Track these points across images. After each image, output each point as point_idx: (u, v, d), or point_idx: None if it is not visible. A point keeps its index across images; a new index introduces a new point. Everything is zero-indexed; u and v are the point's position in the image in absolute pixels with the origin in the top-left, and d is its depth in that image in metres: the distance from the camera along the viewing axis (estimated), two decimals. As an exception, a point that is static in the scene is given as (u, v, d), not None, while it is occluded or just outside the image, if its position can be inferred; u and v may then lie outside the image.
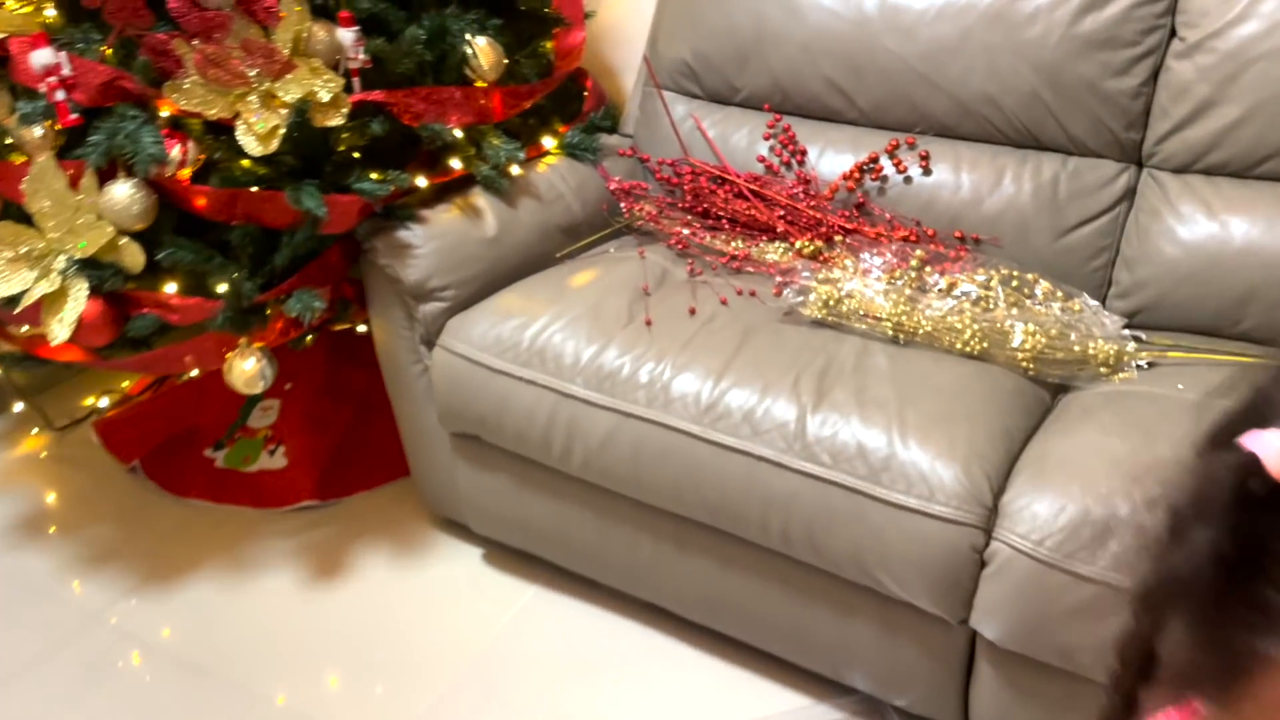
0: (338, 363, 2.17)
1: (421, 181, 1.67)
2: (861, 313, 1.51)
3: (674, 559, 1.58)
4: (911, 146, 1.74)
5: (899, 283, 1.55)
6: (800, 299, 1.54)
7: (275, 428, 2.12)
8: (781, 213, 1.74)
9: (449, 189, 1.73)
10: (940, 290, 1.53)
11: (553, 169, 1.86)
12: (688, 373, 1.48)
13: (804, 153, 1.81)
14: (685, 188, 1.85)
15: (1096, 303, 1.54)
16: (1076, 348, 1.45)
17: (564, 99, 1.98)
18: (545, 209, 1.81)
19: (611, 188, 1.88)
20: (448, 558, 1.89)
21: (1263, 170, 1.54)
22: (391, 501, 2.02)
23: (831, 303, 1.52)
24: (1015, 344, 1.45)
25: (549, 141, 1.90)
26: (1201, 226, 1.56)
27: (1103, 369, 1.44)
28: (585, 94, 2.02)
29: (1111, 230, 1.65)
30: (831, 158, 1.80)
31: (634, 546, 1.61)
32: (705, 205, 1.82)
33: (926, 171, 1.73)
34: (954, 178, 1.72)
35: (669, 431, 1.46)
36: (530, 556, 1.81)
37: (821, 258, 1.63)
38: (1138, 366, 1.45)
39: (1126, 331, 1.49)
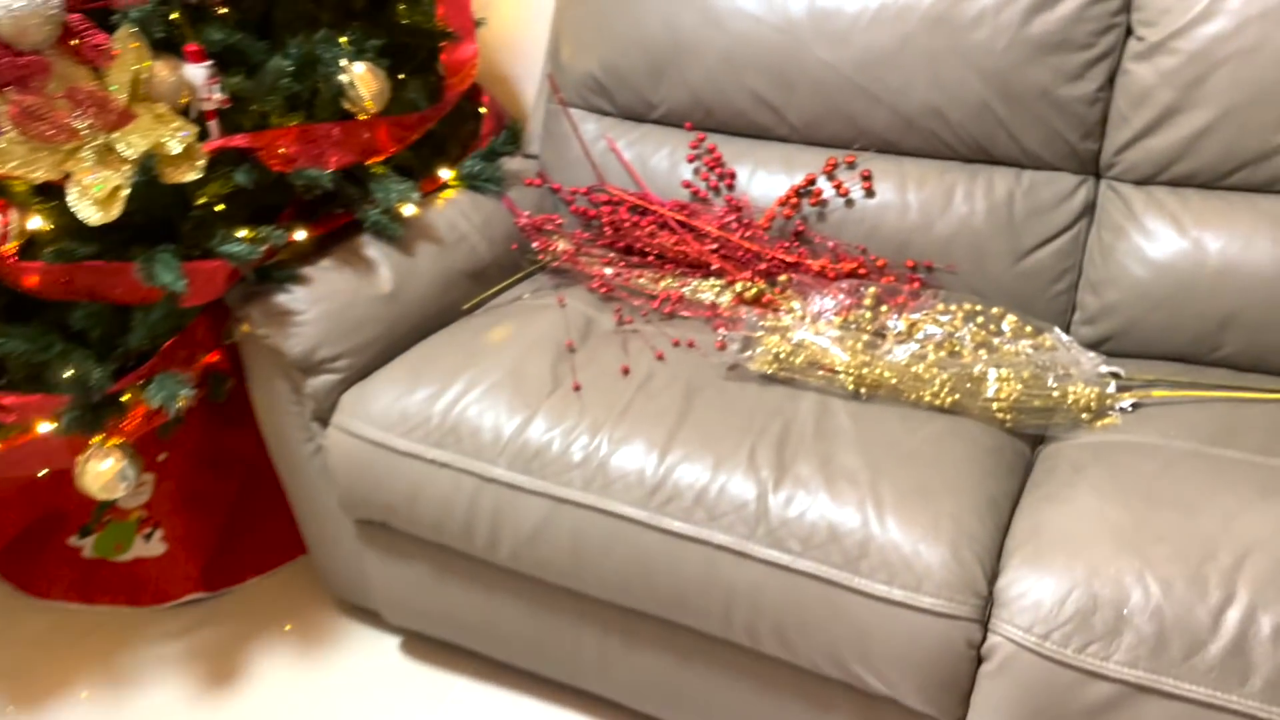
0: (218, 426, 1.92)
1: (300, 234, 1.44)
2: (816, 365, 1.35)
3: (624, 652, 1.40)
4: (851, 165, 1.58)
5: (853, 327, 1.38)
6: (747, 353, 1.36)
7: (150, 507, 1.86)
8: (714, 246, 1.56)
9: (333, 239, 1.50)
10: (899, 334, 1.37)
11: (452, 205, 1.64)
12: (628, 447, 1.30)
13: (733, 175, 1.63)
14: (604, 220, 1.65)
15: (1069, 337, 1.40)
16: (1055, 393, 1.31)
17: (459, 122, 1.76)
18: (448, 253, 1.59)
19: (521, 223, 1.67)
20: (360, 649, 1.67)
21: (1235, 180, 1.42)
22: (291, 586, 1.79)
23: (782, 355, 1.35)
24: (989, 393, 1.30)
25: (445, 174, 1.68)
26: (1171, 244, 1.43)
27: (1084, 415, 1.30)
28: (482, 114, 1.80)
29: (1073, 250, 1.51)
30: (764, 180, 1.63)
31: (577, 639, 1.42)
32: (627, 240, 1.62)
33: (870, 193, 1.57)
34: (900, 198, 1.56)
35: (611, 519, 1.27)
36: (456, 645, 1.61)
37: (765, 300, 1.45)
38: (1121, 410, 1.32)
39: (1104, 368, 1.36)
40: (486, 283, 1.63)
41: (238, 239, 1.34)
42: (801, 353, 1.35)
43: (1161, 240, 1.44)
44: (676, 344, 1.45)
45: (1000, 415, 1.30)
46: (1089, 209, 1.51)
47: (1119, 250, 1.47)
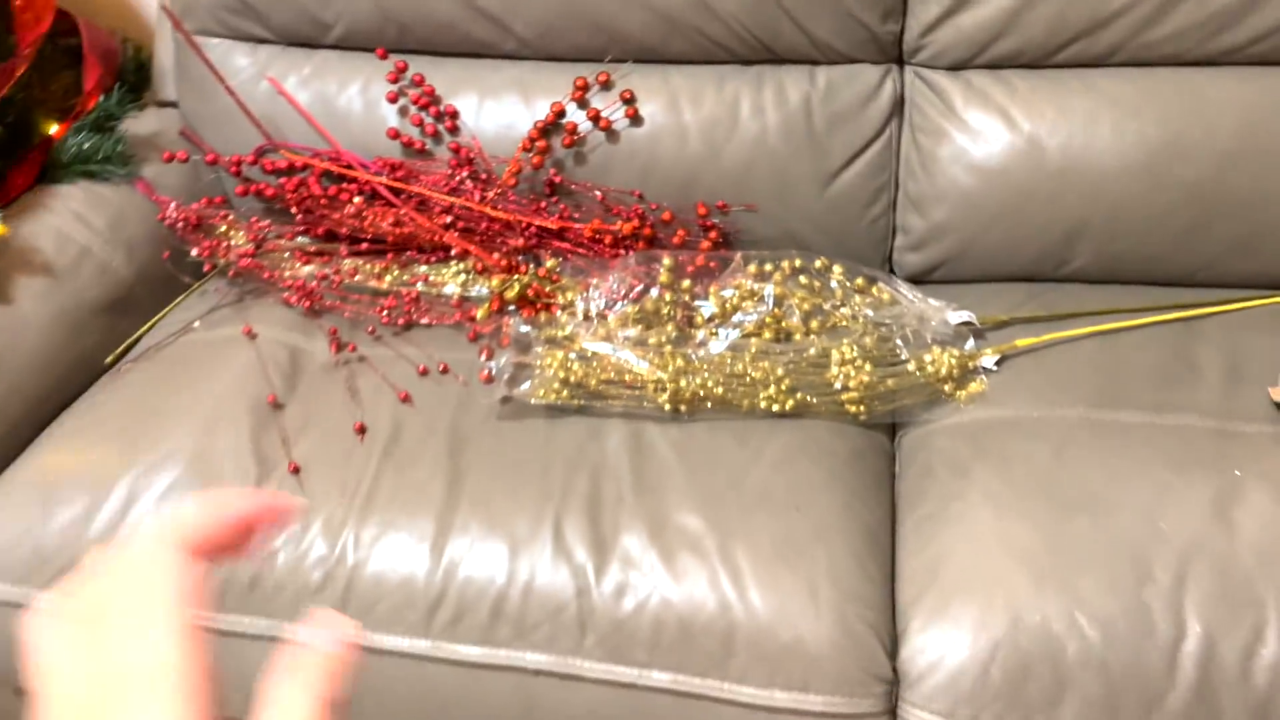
0: None
1: None
2: (616, 380, 1.02)
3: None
4: (607, 85, 1.21)
5: (656, 319, 1.06)
6: (524, 384, 1.01)
7: None
8: (448, 219, 1.17)
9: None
10: (713, 319, 1.06)
11: (58, 207, 1.15)
12: (385, 549, 0.93)
13: (454, 115, 1.22)
14: (287, 198, 1.21)
15: (907, 285, 1.13)
16: (911, 366, 1.05)
17: (47, 77, 1.24)
18: (64, 283, 1.12)
19: (168, 218, 1.20)
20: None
21: (1067, 55, 1.17)
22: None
23: (570, 377, 1.01)
24: (836, 385, 1.02)
25: (42, 161, 1.17)
26: (1000, 142, 1.18)
27: (945, 387, 1.06)
28: (83, 61, 1.28)
29: (887, 161, 1.23)
30: (496, 115, 1.23)
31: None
32: (327, 224, 1.20)
33: (635, 120, 1.21)
34: (674, 120, 1.21)
35: (382, 657, 0.92)
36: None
37: (532, 292, 1.09)
38: (984, 371, 1.08)
39: (953, 316, 1.11)
40: (135, 314, 1.17)
41: None
42: (594, 368, 1.01)
43: (989, 139, 1.18)
44: (424, 372, 1.07)
45: (852, 409, 1.03)
46: (898, 106, 1.23)
47: (941, 156, 1.21)
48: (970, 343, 1.09)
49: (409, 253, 1.19)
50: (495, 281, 1.05)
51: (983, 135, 1.19)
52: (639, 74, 1.22)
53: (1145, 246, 1.18)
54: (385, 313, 1.13)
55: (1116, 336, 1.11)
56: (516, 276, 1.07)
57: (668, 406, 1.01)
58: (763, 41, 1.19)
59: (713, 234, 1.20)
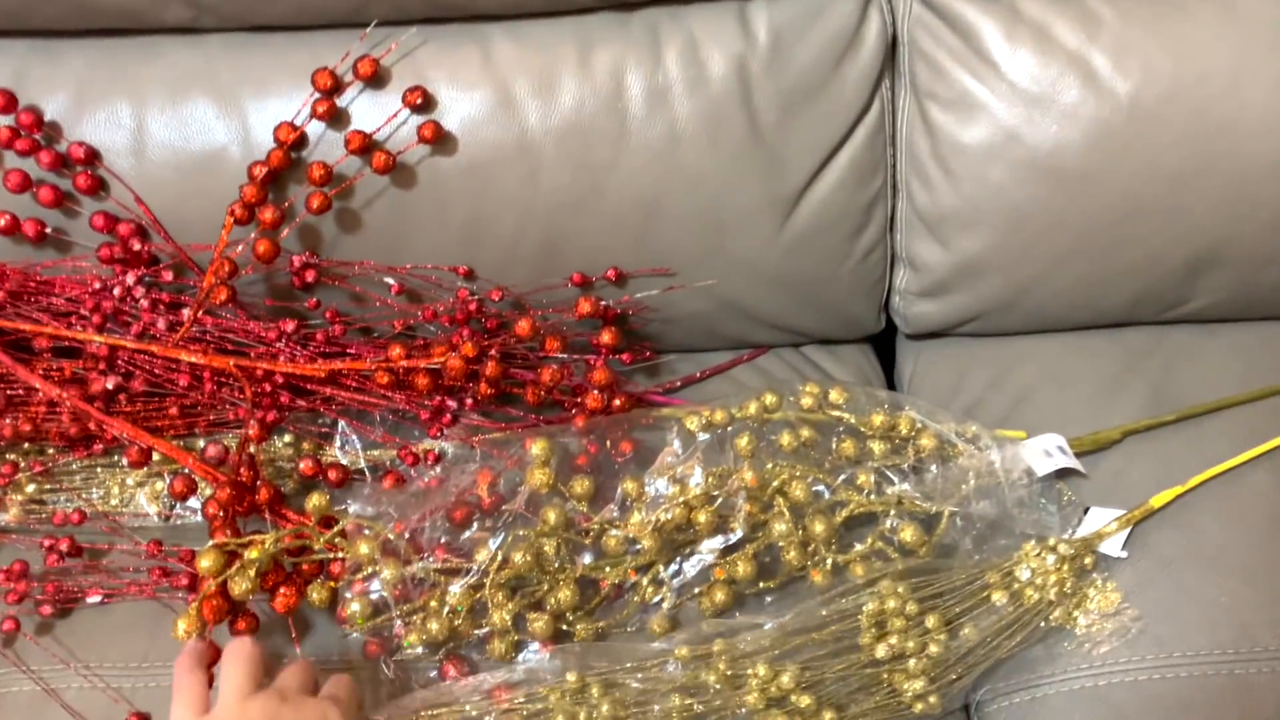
0: None
1: None
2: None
3: None
4: (374, 78, 0.64)
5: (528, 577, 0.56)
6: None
7: None
8: (109, 381, 0.61)
9: None
10: (647, 561, 0.57)
11: None
12: None
13: (89, 158, 0.64)
14: None
15: (939, 409, 0.65)
16: (998, 596, 0.59)
17: None
18: None
19: None
20: None
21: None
22: None
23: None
24: (882, 663, 0.56)
25: None
26: (1074, 112, 0.68)
27: (1054, 614, 0.60)
28: None
29: (879, 156, 0.72)
30: (168, 143, 0.66)
31: None
32: None
33: (439, 140, 0.65)
34: (509, 130, 0.66)
35: None
36: None
37: (286, 552, 0.56)
38: (1100, 557, 0.62)
39: (1046, 461, 0.64)
40: None
41: None
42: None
43: (1054, 108, 0.68)
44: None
45: (918, 706, 0.57)
46: (891, 56, 0.71)
47: (968, 143, 0.70)
48: (1082, 521, 0.63)
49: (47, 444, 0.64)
50: (205, 560, 0.52)
51: (1042, 102, 0.68)
52: (433, 48, 0.66)
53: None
54: (13, 590, 0.59)
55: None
56: (251, 550, 0.54)
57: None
58: (649, -37, 0.64)
59: (608, 334, 0.68)
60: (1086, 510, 0.63)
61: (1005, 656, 0.59)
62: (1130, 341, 0.75)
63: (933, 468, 0.62)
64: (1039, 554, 0.60)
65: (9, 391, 0.62)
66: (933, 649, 0.56)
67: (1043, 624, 0.60)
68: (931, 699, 0.56)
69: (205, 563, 0.53)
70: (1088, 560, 0.61)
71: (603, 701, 0.53)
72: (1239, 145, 0.68)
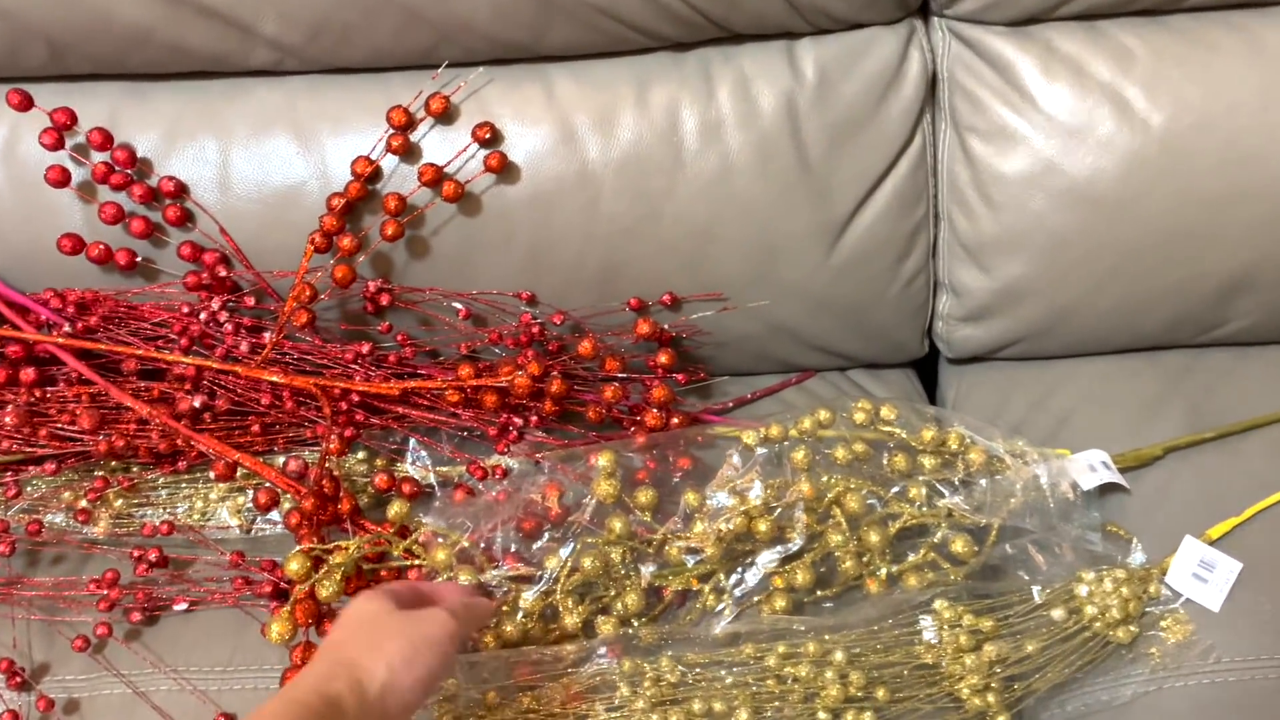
0: None
1: None
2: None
3: None
4: (445, 114, 0.68)
5: (594, 584, 0.58)
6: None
7: None
8: (196, 401, 0.65)
9: None
10: (708, 569, 0.59)
11: None
12: None
13: (177, 192, 0.69)
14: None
15: (986, 424, 0.68)
16: (1057, 611, 0.61)
17: None
18: None
19: None
20: None
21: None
22: None
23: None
24: (941, 668, 0.58)
25: None
26: (1110, 142, 0.71)
27: (1119, 633, 0.62)
28: None
29: (921, 185, 0.76)
30: (250, 177, 0.70)
31: None
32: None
33: (504, 171, 0.69)
34: (570, 164, 0.70)
35: None
36: None
37: (368, 559, 0.59)
38: (1171, 589, 0.64)
39: (1092, 475, 0.66)
40: None
41: None
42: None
43: (1090, 138, 0.71)
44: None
45: (976, 702, 0.59)
46: (932, 90, 0.75)
47: (1007, 172, 0.73)
48: (1139, 549, 0.65)
49: (136, 458, 0.67)
50: (293, 564, 0.56)
51: (1079, 133, 0.72)
52: (499, 87, 0.70)
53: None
54: (107, 594, 0.63)
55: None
56: (335, 555, 0.57)
57: (648, 775, 0.55)
58: (701, 10, 0.68)
59: (665, 354, 0.71)
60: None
61: (1062, 679, 0.61)
62: (1168, 363, 0.78)
63: (981, 481, 0.64)
64: (1105, 573, 0.62)
65: (102, 410, 0.66)
66: (992, 650, 0.58)
67: (1109, 648, 0.62)
68: (991, 699, 0.58)
69: (293, 565, 0.56)
70: (1152, 590, 0.63)
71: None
72: (1269, 172, 0.70)
